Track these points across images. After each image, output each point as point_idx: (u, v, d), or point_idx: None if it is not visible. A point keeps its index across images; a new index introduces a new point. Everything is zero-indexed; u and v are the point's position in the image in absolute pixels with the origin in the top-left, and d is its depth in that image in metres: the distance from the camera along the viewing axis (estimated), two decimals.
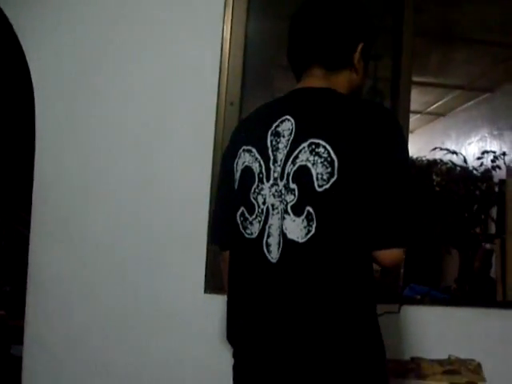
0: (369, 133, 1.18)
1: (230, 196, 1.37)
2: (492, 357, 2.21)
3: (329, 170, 1.16)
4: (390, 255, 1.20)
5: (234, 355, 1.37)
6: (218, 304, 2.07)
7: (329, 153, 1.16)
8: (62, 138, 2.16)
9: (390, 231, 1.19)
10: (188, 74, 2.19)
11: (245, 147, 1.33)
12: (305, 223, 1.18)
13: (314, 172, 1.17)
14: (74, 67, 2.16)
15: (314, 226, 1.17)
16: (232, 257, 1.38)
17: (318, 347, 1.18)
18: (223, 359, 1.98)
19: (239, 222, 1.32)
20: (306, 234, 1.18)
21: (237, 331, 1.35)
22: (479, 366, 2.16)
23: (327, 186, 1.16)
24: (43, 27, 2.16)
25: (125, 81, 2.17)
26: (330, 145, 1.17)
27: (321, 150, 1.17)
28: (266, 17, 2.39)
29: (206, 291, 2.17)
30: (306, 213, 1.18)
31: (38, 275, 2.14)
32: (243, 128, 1.45)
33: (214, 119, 2.19)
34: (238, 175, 1.34)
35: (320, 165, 1.17)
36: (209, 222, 2.14)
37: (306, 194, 1.19)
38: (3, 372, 3.06)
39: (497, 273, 2.59)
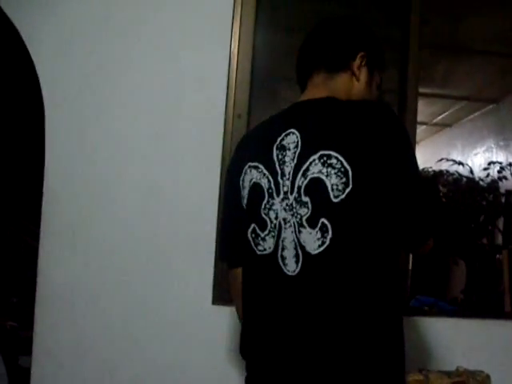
0: (375, 136, 1.19)
1: (236, 213, 1.37)
2: (501, 368, 2.19)
3: (343, 180, 1.17)
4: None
5: (248, 368, 1.36)
6: (225, 316, 2.07)
7: (342, 163, 1.17)
8: (71, 150, 2.17)
9: (422, 230, 1.25)
10: (196, 86, 2.20)
11: (251, 164, 1.33)
12: (319, 235, 1.19)
13: (328, 183, 1.18)
14: (82, 79, 2.18)
15: (328, 237, 1.18)
16: (245, 273, 1.38)
17: (337, 361, 1.18)
18: (231, 371, 1.98)
19: (250, 238, 1.31)
20: (320, 246, 1.18)
21: (252, 344, 1.34)
22: (488, 377, 2.14)
23: (343, 197, 1.17)
24: (53, 37, 2.17)
25: (133, 93, 2.19)
26: (341, 155, 1.18)
27: (333, 161, 1.18)
28: (274, 30, 2.41)
29: (213, 303, 2.16)
30: (320, 225, 1.19)
31: (46, 286, 2.15)
32: (247, 144, 1.45)
33: (221, 132, 2.21)
34: (245, 192, 1.34)
35: (334, 176, 1.17)
36: (217, 233, 2.14)
37: (320, 205, 1.19)
38: (12, 383, 3.06)
39: (505, 283, 2.59)
